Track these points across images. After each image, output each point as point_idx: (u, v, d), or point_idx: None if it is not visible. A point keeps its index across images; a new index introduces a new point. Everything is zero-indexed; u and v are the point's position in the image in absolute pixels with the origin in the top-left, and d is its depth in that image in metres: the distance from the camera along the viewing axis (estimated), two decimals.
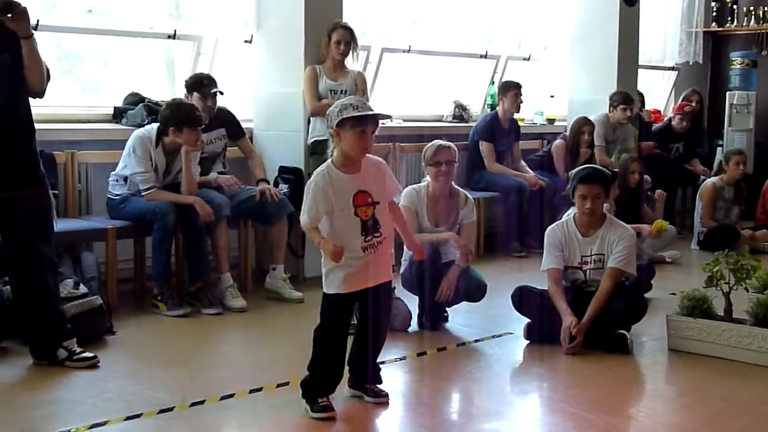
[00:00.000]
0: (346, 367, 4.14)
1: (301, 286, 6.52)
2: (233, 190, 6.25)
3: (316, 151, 6.72)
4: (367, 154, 4.01)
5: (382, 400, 4.17)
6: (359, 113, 3.86)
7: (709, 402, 4.42)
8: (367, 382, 4.18)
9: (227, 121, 6.51)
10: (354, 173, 3.95)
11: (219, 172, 6.44)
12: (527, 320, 5.35)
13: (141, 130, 5.99)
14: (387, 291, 4.15)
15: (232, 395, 4.26)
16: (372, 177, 4.01)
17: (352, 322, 4.83)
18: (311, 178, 4.00)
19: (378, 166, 4.09)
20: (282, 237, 6.37)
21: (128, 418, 3.93)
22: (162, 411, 4.02)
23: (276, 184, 6.77)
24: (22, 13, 4.29)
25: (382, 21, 8.03)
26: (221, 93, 6.36)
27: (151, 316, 5.71)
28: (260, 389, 4.36)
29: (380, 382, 4.23)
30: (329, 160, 4.00)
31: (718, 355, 4.97)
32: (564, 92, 9.92)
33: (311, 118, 6.75)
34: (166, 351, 5.08)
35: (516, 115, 8.58)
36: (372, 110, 3.97)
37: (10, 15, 4.25)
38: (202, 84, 6.27)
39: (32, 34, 4.42)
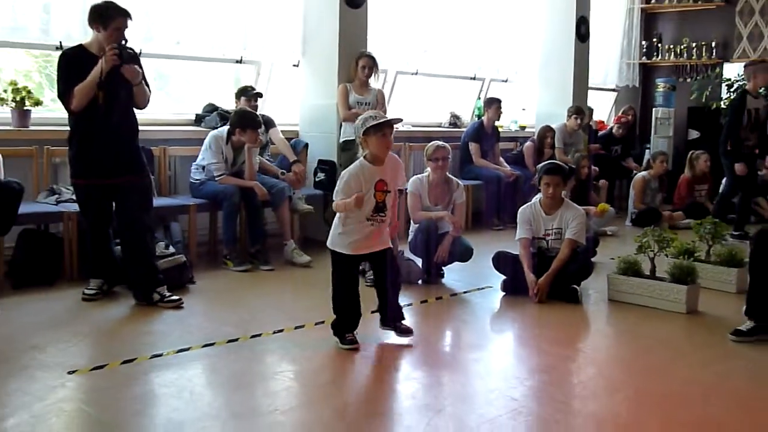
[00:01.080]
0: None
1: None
2: (295, 185, 6.30)
3: (346, 148, 6.69)
4: (390, 153, 4.04)
5: (407, 334, 4.15)
6: (377, 122, 3.91)
7: (639, 339, 4.43)
8: (394, 321, 4.17)
9: (264, 122, 6.44)
10: (379, 166, 3.97)
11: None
12: (503, 277, 5.35)
13: (215, 131, 6.00)
14: (390, 254, 4.12)
15: (281, 330, 4.28)
16: (390, 171, 4.02)
17: (370, 278, 4.86)
18: (348, 168, 4.02)
19: (395, 164, 4.10)
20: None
21: (205, 346, 3.96)
22: (230, 341, 4.06)
23: (315, 173, 6.80)
24: (132, 71, 4.47)
25: (396, 51, 7.99)
26: (260, 95, 6.48)
27: (222, 270, 5.72)
28: (302, 326, 4.38)
29: (403, 318, 4.22)
30: (362, 157, 4.01)
31: (645, 305, 4.97)
32: (533, 106, 9.87)
33: (342, 123, 6.72)
34: (232, 296, 5.09)
35: (497, 123, 8.55)
36: (386, 118, 3.99)
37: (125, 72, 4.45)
38: (246, 90, 6.43)
39: (140, 82, 4.57)
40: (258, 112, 6.42)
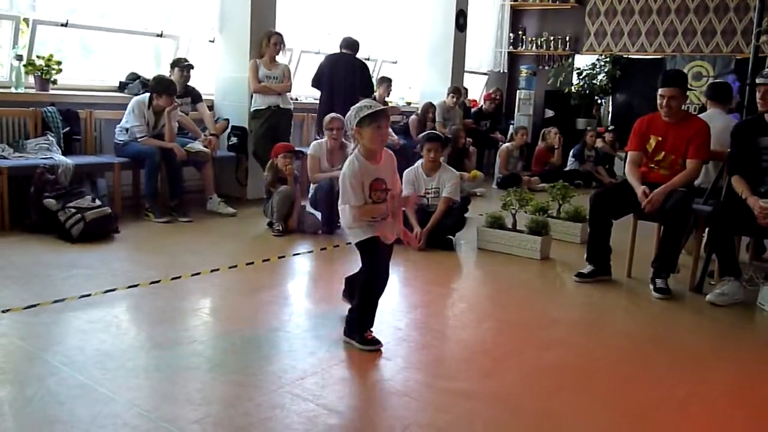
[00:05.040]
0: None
1: (244, 205, 6.44)
2: (212, 149, 6.17)
3: (255, 116, 6.61)
4: (384, 147, 3.11)
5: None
6: (372, 110, 2.95)
7: (502, 279, 4.60)
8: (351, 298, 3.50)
9: (191, 93, 6.35)
10: (375, 163, 3.05)
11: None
12: None
13: (138, 97, 5.78)
14: (390, 250, 3.19)
15: (198, 273, 4.21)
16: (388, 168, 3.11)
17: (277, 228, 4.74)
18: (344, 170, 3.05)
19: (392, 160, 3.16)
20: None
21: (130, 287, 3.86)
22: (152, 282, 3.96)
23: (229, 137, 6.67)
24: None
25: (300, 32, 7.87)
26: (192, 67, 6.28)
27: (144, 222, 5.56)
28: (218, 269, 4.32)
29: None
30: (356, 152, 3.05)
31: (507, 252, 5.16)
32: (418, 85, 9.95)
33: (253, 94, 6.60)
34: (154, 244, 4.96)
35: (387, 99, 8.55)
36: (382, 107, 3.05)
37: None
38: (179, 62, 6.26)
39: None
40: (189, 85, 6.31)
